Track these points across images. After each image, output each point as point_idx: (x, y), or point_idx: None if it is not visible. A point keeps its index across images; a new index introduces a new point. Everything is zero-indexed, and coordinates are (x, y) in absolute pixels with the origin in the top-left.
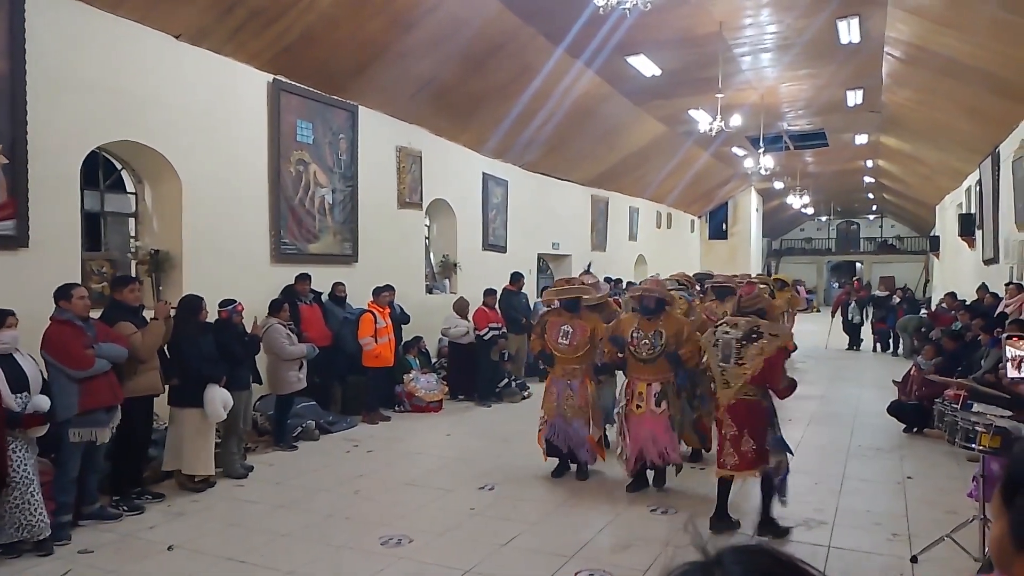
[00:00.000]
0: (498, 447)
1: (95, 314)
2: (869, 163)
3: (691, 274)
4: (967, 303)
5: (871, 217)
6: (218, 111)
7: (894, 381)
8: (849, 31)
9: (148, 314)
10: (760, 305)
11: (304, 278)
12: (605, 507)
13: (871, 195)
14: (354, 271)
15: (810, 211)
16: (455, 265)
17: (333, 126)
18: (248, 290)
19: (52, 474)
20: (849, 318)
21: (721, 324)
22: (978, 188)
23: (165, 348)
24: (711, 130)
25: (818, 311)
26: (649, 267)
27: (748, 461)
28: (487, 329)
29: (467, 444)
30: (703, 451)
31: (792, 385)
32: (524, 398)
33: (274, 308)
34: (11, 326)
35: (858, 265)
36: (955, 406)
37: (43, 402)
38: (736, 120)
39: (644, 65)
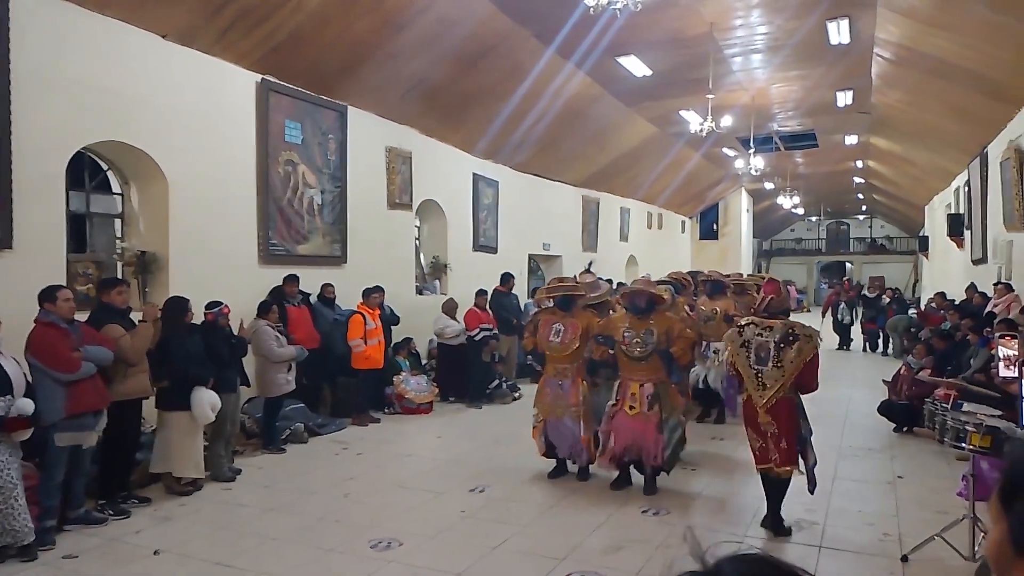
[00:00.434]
0: (489, 449)
1: (80, 316)
2: (859, 164)
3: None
4: (956, 303)
5: (861, 217)
6: (206, 111)
7: (884, 381)
8: (839, 32)
9: (136, 316)
10: (787, 306)
11: (292, 279)
12: (596, 509)
13: (861, 196)
14: (343, 272)
15: (800, 212)
16: (445, 266)
17: (322, 126)
18: (236, 292)
19: (37, 478)
20: (839, 318)
21: (749, 324)
22: (967, 189)
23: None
24: (702, 131)
25: (808, 311)
26: (640, 268)
27: (790, 456)
28: (478, 330)
29: (458, 446)
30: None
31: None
32: (515, 399)
33: (262, 310)
34: None
35: (848, 265)
36: (945, 406)
37: (27, 405)
38: (727, 121)
39: (635, 66)
